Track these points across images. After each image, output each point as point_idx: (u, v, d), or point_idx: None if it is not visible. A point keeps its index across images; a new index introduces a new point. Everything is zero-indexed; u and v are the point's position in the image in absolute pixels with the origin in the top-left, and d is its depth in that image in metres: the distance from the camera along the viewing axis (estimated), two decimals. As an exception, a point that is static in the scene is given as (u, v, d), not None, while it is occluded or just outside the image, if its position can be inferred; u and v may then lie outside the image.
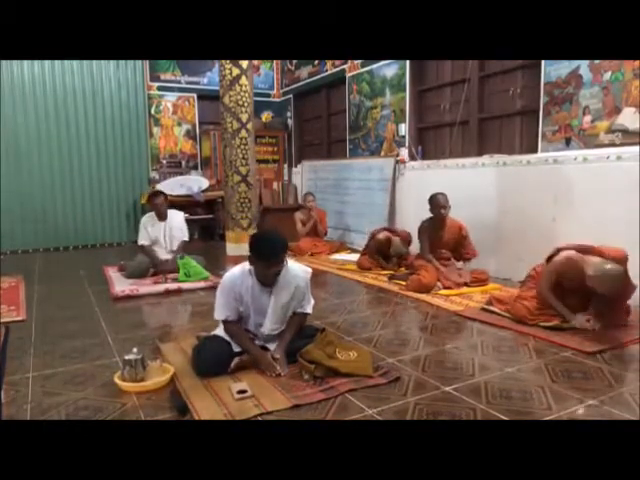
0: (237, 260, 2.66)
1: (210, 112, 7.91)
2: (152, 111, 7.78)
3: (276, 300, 2.51)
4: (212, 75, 7.91)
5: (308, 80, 7.76)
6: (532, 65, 4.41)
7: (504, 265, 4.48)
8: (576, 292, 3.03)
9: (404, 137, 5.84)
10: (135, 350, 2.36)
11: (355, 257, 5.46)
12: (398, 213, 5.88)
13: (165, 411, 2.10)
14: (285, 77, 8.51)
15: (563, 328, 3.01)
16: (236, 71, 5.60)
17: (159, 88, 7.80)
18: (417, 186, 5.53)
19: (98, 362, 2.68)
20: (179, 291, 4.30)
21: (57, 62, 6.97)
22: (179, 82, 7.92)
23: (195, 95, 8.02)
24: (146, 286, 4.41)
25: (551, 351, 2.73)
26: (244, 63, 5.64)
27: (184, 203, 6.85)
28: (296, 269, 2.59)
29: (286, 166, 8.55)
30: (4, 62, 6.68)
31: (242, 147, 5.75)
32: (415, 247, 4.69)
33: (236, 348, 2.52)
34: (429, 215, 4.26)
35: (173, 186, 7.09)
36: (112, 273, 5.00)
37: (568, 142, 4.02)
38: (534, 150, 4.35)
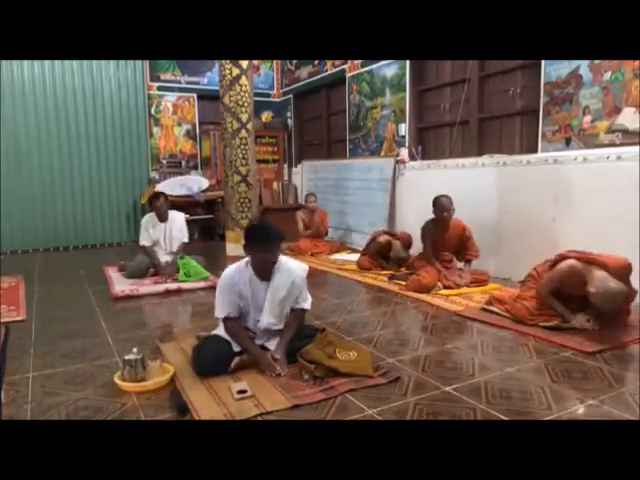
0: (237, 260, 2.67)
1: (210, 112, 7.91)
2: (152, 111, 7.78)
3: (273, 294, 2.53)
4: (212, 75, 7.91)
5: (308, 80, 7.77)
6: (532, 65, 4.41)
7: (504, 265, 4.48)
8: (576, 292, 3.03)
9: (404, 137, 5.84)
10: (135, 350, 2.36)
11: (355, 257, 5.46)
12: (398, 213, 5.88)
13: (165, 411, 2.10)
14: (285, 77, 8.51)
15: (563, 328, 3.01)
16: (236, 71, 5.59)
17: (159, 88, 7.80)
18: (417, 186, 5.53)
19: (98, 362, 2.68)
20: (179, 291, 4.30)
21: (57, 62, 6.97)
22: (179, 82, 7.92)
23: (195, 95, 8.02)
24: (146, 286, 4.42)
25: (551, 351, 2.73)
26: (244, 63, 5.63)
27: (184, 203, 6.85)
28: (292, 265, 2.62)
29: (286, 166, 8.55)
30: (4, 62, 6.68)
31: (242, 147, 5.75)
32: (416, 249, 4.68)
33: (236, 348, 2.52)
34: (430, 215, 4.25)
35: (173, 186, 7.09)
36: (112, 273, 5.00)
37: (568, 142, 4.02)
38: (534, 150, 4.35)
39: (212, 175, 7.76)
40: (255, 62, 8.05)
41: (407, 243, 4.89)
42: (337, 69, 7.01)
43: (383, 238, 4.98)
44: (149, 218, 4.90)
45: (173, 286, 4.37)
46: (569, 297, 3.07)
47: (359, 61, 6.53)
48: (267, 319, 2.55)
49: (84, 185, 7.28)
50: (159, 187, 6.98)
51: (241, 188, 5.84)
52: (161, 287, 4.36)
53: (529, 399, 2.15)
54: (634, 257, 3.04)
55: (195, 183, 7.31)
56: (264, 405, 2.10)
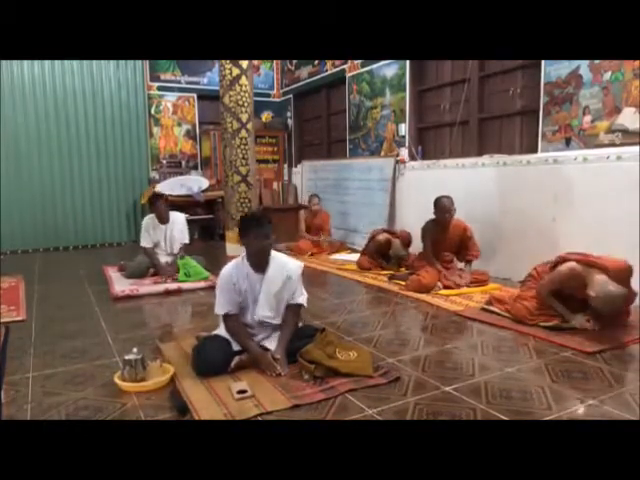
0: (237, 260, 2.67)
1: (210, 112, 7.91)
2: (152, 111, 7.78)
3: (268, 285, 2.56)
4: (212, 75, 7.91)
5: (308, 80, 7.76)
6: (532, 65, 4.41)
7: (504, 265, 4.48)
8: (576, 297, 3.04)
9: (404, 137, 5.84)
10: (135, 350, 2.36)
11: (355, 257, 5.46)
12: (398, 213, 5.88)
13: (165, 411, 2.10)
14: (285, 77, 8.51)
15: (563, 328, 3.01)
16: (236, 71, 5.59)
17: (159, 88, 7.80)
18: (417, 186, 5.53)
19: (98, 362, 2.68)
20: (179, 291, 4.30)
21: (57, 62, 6.97)
22: (179, 82, 7.92)
23: (195, 95, 8.02)
24: (146, 286, 4.42)
25: (551, 351, 2.73)
26: (244, 63, 5.63)
27: (184, 203, 6.84)
28: (287, 260, 2.69)
29: (286, 166, 8.55)
30: (4, 62, 6.68)
31: (242, 147, 5.75)
32: (416, 247, 4.68)
33: (236, 347, 2.53)
34: (430, 215, 4.25)
35: (173, 186, 7.08)
36: (112, 273, 5.00)
37: (568, 142, 4.02)
38: (534, 150, 4.35)
39: (212, 175, 7.76)
40: (255, 62, 8.05)
41: (406, 241, 4.89)
42: (337, 69, 7.01)
43: (382, 236, 4.98)
44: (150, 219, 4.89)
45: (173, 286, 4.37)
46: (569, 297, 3.08)
47: (359, 61, 6.53)
48: (262, 311, 2.57)
49: (84, 185, 7.28)
50: (159, 187, 6.98)
51: (241, 188, 5.84)
52: (161, 287, 4.36)
53: (529, 399, 2.15)
54: (634, 257, 3.04)
55: (195, 183, 7.30)
56: (264, 405, 2.10)
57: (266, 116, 8.45)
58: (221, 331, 2.62)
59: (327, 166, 7.41)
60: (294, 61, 8.13)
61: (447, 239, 4.26)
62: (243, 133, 5.74)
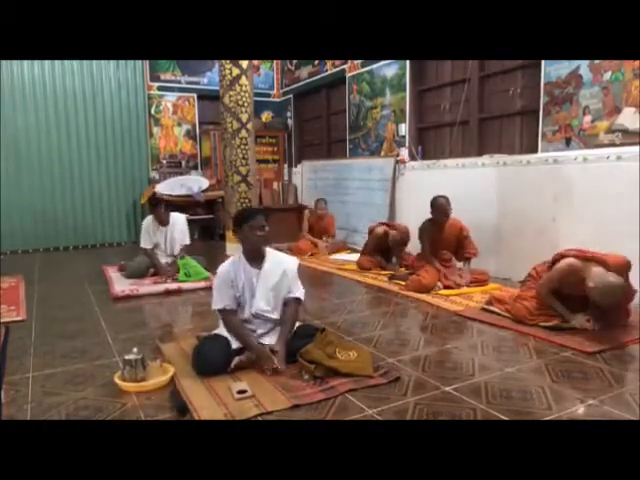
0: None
1: (210, 112, 7.91)
2: (152, 111, 7.77)
3: (264, 278, 2.58)
4: (212, 75, 7.91)
5: (308, 80, 7.76)
6: (532, 65, 4.41)
7: (504, 265, 4.48)
8: (576, 291, 3.03)
9: (404, 137, 5.84)
10: (135, 350, 2.36)
11: (355, 257, 5.46)
12: (398, 213, 5.88)
13: (165, 411, 2.10)
14: (285, 77, 8.50)
15: (563, 328, 3.01)
16: (236, 71, 5.59)
17: (159, 88, 7.80)
18: (417, 186, 5.53)
19: (98, 362, 2.68)
20: (179, 291, 4.31)
21: (57, 62, 6.97)
22: (179, 82, 7.92)
23: (195, 95, 8.02)
24: (146, 286, 4.42)
25: (551, 351, 2.73)
26: (244, 63, 5.63)
27: (184, 203, 6.84)
28: (283, 256, 2.73)
29: (286, 166, 8.55)
30: (4, 62, 6.67)
31: (242, 147, 5.75)
32: (414, 247, 4.68)
33: (235, 345, 2.53)
34: (429, 215, 4.25)
35: (173, 186, 7.08)
36: (112, 273, 5.00)
37: (568, 142, 4.02)
38: (534, 150, 4.35)
39: (212, 175, 7.76)
40: (255, 62, 8.05)
41: (404, 232, 4.90)
42: (337, 69, 7.01)
43: (380, 229, 5.02)
44: (150, 221, 4.89)
45: (173, 286, 4.37)
46: (569, 297, 3.07)
47: (359, 61, 6.53)
48: (259, 304, 2.58)
49: (84, 185, 7.28)
50: (159, 187, 6.98)
51: (241, 188, 5.84)
52: (161, 287, 4.36)
53: (529, 399, 2.15)
54: (634, 257, 3.04)
55: (195, 183, 7.30)
56: (264, 405, 2.10)
57: (266, 116, 8.45)
58: (221, 331, 2.62)
59: (327, 166, 7.41)
60: (294, 61, 8.13)
61: (444, 239, 4.27)
62: (243, 133, 5.73)
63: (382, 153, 6.23)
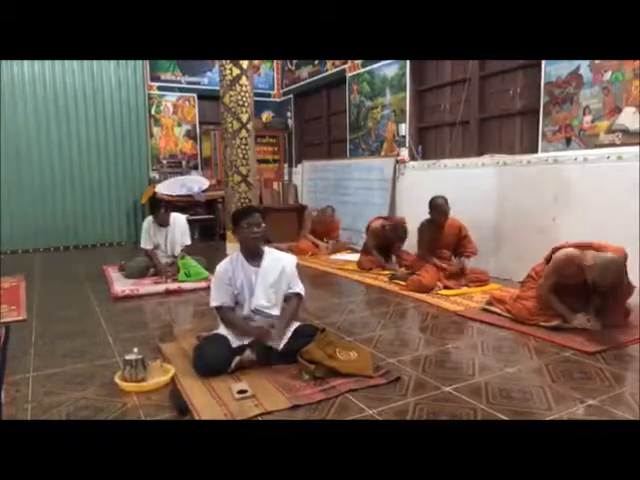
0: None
1: (210, 112, 7.91)
2: (152, 111, 7.77)
3: (263, 275, 2.60)
4: (212, 75, 7.91)
5: (308, 80, 7.76)
6: (532, 65, 4.41)
7: (504, 265, 4.48)
8: (576, 291, 3.03)
9: (404, 137, 5.84)
10: (135, 350, 2.36)
11: (355, 257, 5.46)
12: (398, 213, 5.86)
13: (165, 411, 2.10)
14: (285, 77, 8.50)
15: (563, 328, 3.01)
16: (236, 71, 5.58)
17: (159, 88, 7.80)
18: (417, 186, 5.53)
19: (98, 362, 2.68)
20: (179, 291, 4.31)
21: (57, 62, 6.97)
22: (179, 82, 7.92)
23: (195, 95, 8.02)
24: (146, 286, 4.42)
25: (551, 351, 2.73)
26: (244, 63, 5.62)
27: (184, 203, 6.85)
28: (281, 254, 2.75)
29: (286, 166, 8.55)
30: (4, 62, 6.67)
31: (242, 147, 5.74)
32: (413, 247, 4.68)
33: (236, 344, 2.53)
34: (429, 215, 4.25)
35: (173, 186, 7.08)
36: (112, 273, 5.00)
37: (568, 142, 4.02)
38: (534, 150, 4.34)
39: (212, 175, 7.76)
40: (255, 62, 8.05)
41: (401, 223, 4.93)
42: (337, 69, 7.01)
43: (377, 222, 5.06)
44: (150, 221, 4.89)
45: (173, 286, 4.37)
46: (569, 291, 3.06)
47: (359, 61, 6.53)
48: (259, 300, 2.60)
49: (84, 185, 7.29)
50: (159, 187, 6.98)
51: (241, 188, 5.83)
52: (161, 287, 4.36)
53: (529, 399, 2.15)
54: (634, 257, 3.04)
55: (195, 183, 7.30)
56: (264, 405, 2.10)
57: (266, 116, 8.45)
58: (221, 331, 2.62)
59: (327, 166, 7.41)
60: (294, 61, 8.13)
61: (443, 238, 4.28)
62: (243, 133, 5.73)
63: (382, 153, 6.23)
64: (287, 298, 2.67)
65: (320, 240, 6.28)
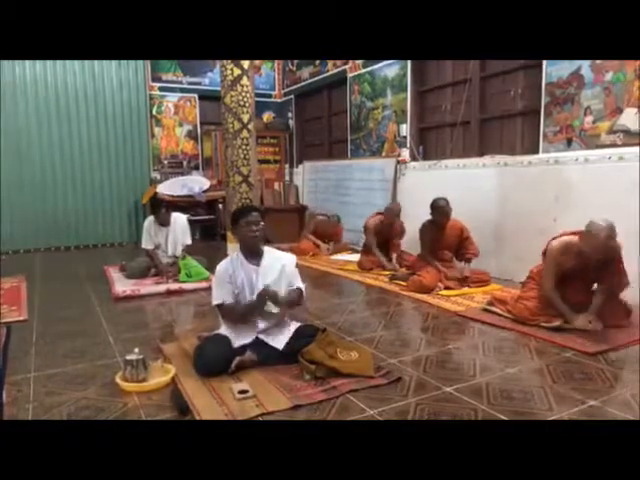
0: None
1: (211, 112, 7.92)
2: (153, 111, 7.78)
3: (264, 274, 2.60)
4: (213, 75, 7.91)
5: (309, 80, 7.77)
6: (533, 65, 4.40)
7: (505, 266, 4.48)
8: (577, 286, 3.03)
9: (405, 137, 5.84)
10: (136, 350, 2.37)
11: (355, 257, 5.46)
12: (399, 213, 5.87)
13: (166, 411, 2.10)
14: (286, 77, 8.51)
15: (564, 329, 3.01)
16: (237, 71, 5.58)
17: (160, 88, 7.81)
18: (418, 186, 5.53)
19: (99, 362, 2.69)
20: (180, 291, 4.31)
21: (58, 62, 6.98)
22: (180, 82, 7.92)
23: (196, 95, 8.02)
24: (147, 286, 4.42)
25: (552, 352, 2.73)
26: (245, 63, 5.62)
27: (185, 204, 6.84)
28: (280, 253, 2.77)
29: (287, 166, 8.55)
30: (5, 62, 6.68)
31: (243, 147, 5.74)
32: (414, 247, 4.68)
33: (237, 343, 2.53)
34: (430, 216, 4.25)
35: (174, 187, 7.08)
36: (113, 273, 5.01)
37: (569, 143, 4.01)
38: (535, 151, 4.34)
39: (213, 175, 7.76)
40: (256, 62, 8.06)
41: (396, 209, 5.04)
42: (338, 69, 7.01)
43: (375, 218, 5.10)
44: (151, 221, 4.89)
45: (174, 286, 4.38)
46: (570, 286, 3.06)
47: (360, 61, 6.53)
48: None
49: (85, 185, 7.29)
50: (160, 187, 6.98)
51: (242, 188, 5.83)
52: (162, 287, 4.36)
53: (530, 400, 2.15)
54: (635, 257, 3.04)
55: (196, 183, 7.30)
56: (265, 405, 2.10)
57: (267, 116, 8.46)
58: (222, 331, 2.63)
59: (328, 166, 7.41)
60: (295, 61, 8.14)
61: (445, 240, 4.28)
62: (244, 133, 5.73)
63: (383, 153, 6.23)
64: (289, 292, 2.67)
65: (321, 242, 6.29)
